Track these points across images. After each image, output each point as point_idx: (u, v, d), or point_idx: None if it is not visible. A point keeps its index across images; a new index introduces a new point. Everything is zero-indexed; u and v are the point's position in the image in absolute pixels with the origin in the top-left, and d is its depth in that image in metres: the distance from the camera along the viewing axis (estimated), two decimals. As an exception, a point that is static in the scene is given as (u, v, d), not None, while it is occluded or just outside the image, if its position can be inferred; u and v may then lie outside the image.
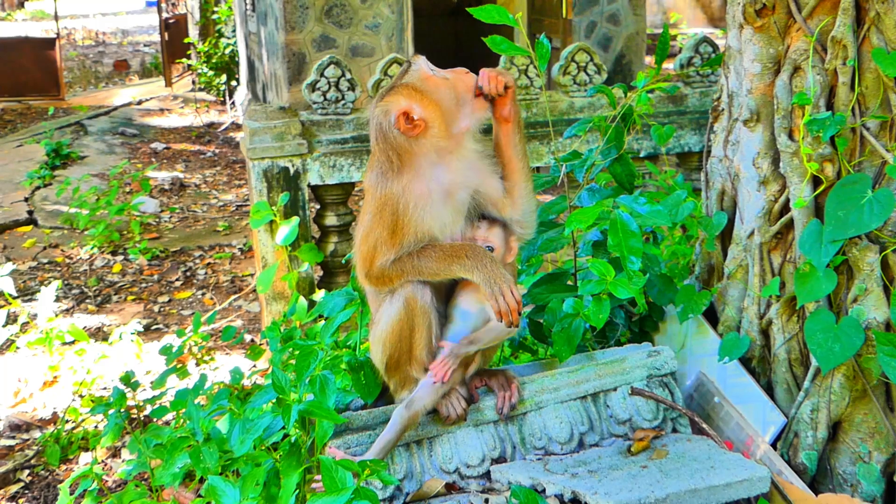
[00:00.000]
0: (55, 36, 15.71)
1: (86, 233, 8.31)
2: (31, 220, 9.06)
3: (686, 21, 20.78)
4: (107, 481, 4.17)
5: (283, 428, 2.69)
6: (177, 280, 7.54)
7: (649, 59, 13.33)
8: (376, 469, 2.37)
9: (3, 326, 5.10)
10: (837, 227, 2.76)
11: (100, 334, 6.26)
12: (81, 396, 5.02)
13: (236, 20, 14.30)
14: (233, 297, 7.04)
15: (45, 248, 8.30)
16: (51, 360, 5.36)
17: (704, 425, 2.86)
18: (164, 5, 16.73)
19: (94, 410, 3.84)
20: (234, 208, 9.65)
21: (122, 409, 3.73)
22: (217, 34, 15.14)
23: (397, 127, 2.58)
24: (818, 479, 3.00)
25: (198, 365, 5.05)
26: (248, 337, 6.12)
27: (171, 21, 16.85)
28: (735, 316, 3.21)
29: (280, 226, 4.70)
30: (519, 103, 2.81)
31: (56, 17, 16.16)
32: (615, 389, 2.92)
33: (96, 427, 4.67)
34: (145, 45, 23.10)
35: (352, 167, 4.98)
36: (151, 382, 4.45)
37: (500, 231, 2.75)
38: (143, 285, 7.40)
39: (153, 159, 11.53)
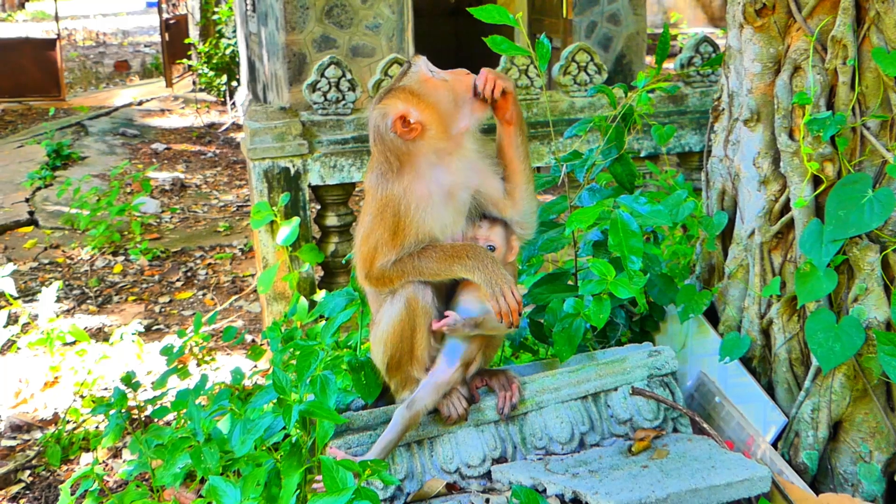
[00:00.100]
0: (56, 37, 15.73)
1: (87, 233, 8.32)
2: (31, 221, 9.07)
3: (686, 21, 20.78)
4: (108, 482, 4.17)
5: (284, 428, 2.69)
6: (178, 280, 7.55)
7: (650, 59, 13.33)
8: (377, 469, 2.37)
9: (5, 327, 5.11)
10: (838, 226, 2.76)
11: (101, 335, 6.26)
12: (82, 397, 5.02)
13: (237, 21, 14.30)
14: (233, 297, 7.04)
15: (45, 249, 8.31)
16: (52, 360, 5.37)
17: (705, 425, 2.86)
18: (164, 6, 16.74)
19: (95, 411, 3.85)
20: (234, 209, 9.65)
21: (123, 410, 3.74)
22: (217, 35, 15.14)
23: (394, 130, 2.58)
24: (819, 479, 3.00)
25: (199, 365, 5.06)
26: (248, 337, 6.12)
27: (171, 22, 16.85)
28: (736, 316, 3.21)
29: (281, 226, 4.70)
30: (520, 104, 2.81)
31: (56, 18, 16.17)
32: (616, 389, 2.92)
33: (97, 427, 4.67)
34: (146, 46, 23.11)
35: (352, 167, 4.98)
36: (152, 383, 4.45)
37: (501, 230, 2.76)
38: (144, 286, 7.41)
39: (154, 160, 11.54)
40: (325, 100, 4.95)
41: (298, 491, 2.54)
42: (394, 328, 2.67)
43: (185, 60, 15.99)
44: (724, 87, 3.26)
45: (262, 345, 4.89)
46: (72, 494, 3.40)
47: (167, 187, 10.29)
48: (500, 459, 2.76)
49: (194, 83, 16.02)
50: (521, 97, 5.16)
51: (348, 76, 4.96)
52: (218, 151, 12.18)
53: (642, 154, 5.38)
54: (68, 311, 6.82)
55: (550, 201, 3.41)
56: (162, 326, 6.56)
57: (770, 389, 3.10)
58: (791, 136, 2.97)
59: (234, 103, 14.32)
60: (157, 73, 18.13)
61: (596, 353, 3.14)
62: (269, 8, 10.69)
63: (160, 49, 17.62)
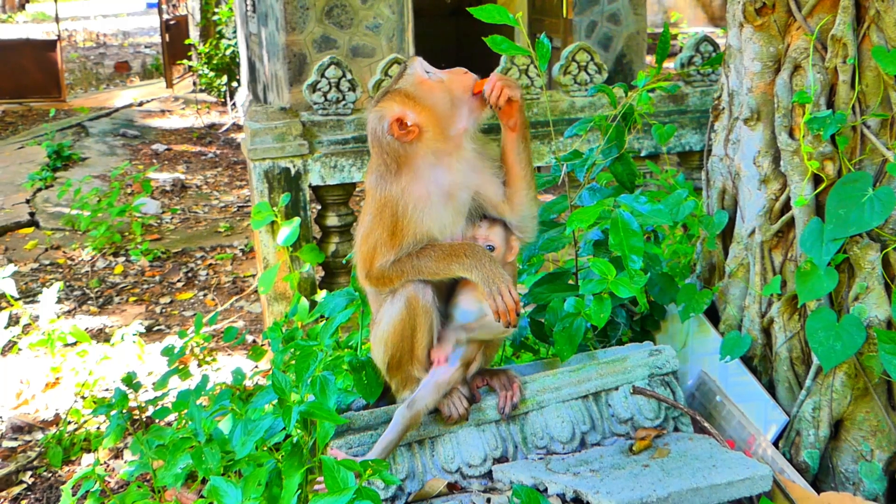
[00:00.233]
0: (56, 38, 15.75)
1: (87, 234, 8.32)
2: (32, 222, 9.07)
3: (686, 20, 20.77)
4: (109, 482, 4.17)
5: (285, 429, 2.69)
6: (178, 281, 7.55)
7: (650, 59, 13.33)
8: (378, 469, 2.37)
9: (6, 328, 5.10)
10: (838, 225, 2.76)
11: (101, 336, 6.26)
12: (83, 398, 5.02)
13: (237, 21, 14.31)
14: (234, 297, 7.04)
15: (46, 250, 8.31)
16: (53, 361, 5.37)
17: (706, 424, 2.86)
18: (164, 7, 16.75)
19: (96, 412, 3.85)
20: (235, 209, 9.65)
21: (125, 411, 3.74)
22: (218, 35, 15.15)
23: (391, 133, 2.59)
24: (820, 478, 3.00)
25: (200, 366, 5.06)
26: (249, 338, 6.12)
27: (171, 22, 16.86)
28: (736, 314, 3.21)
29: (281, 226, 4.70)
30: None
31: (57, 19, 16.18)
32: (617, 388, 2.91)
33: (98, 428, 4.67)
34: (146, 47, 23.12)
35: (353, 167, 4.98)
36: (153, 383, 4.45)
37: (501, 230, 2.75)
38: (145, 286, 7.41)
39: (154, 160, 11.54)
40: (326, 100, 4.96)
41: (299, 491, 2.54)
42: (394, 328, 2.67)
43: (185, 61, 16.00)
44: (725, 87, 3.26)
45: (263, 345, 4.89)
46: (73, 495, 3.40)
47: (168, 188, 10.29)
48: (502, 459, 2.76)
49: (195, 84, 16.03)
50: (522, 97, 5.14)
51: (348, 76, 4.96)
52: (218, 152, 12.19)
53: (643, 153, 5.38)
54: (69, 311, 6.83)
55: (551, 201, 3.41)
56: (163, 327, 6.56)
57: (771, 388, 3.10)
58: (791, 134, 2.97)
59: (234, 104, 14.33)
60: (158, 74, 18.14)
61: (597, 352, 3.14)
62: (270, 8, 10.69)
63: (160, 50, 17.63)
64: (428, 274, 2.62)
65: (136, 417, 4.34)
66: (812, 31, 2.89)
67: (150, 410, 4.25)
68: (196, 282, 7.53)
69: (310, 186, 4.97)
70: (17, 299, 5.42)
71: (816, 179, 2.92)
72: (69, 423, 4.75)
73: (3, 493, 4.36)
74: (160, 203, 9.66)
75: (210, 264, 7.90)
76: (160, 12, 16.53)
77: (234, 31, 14.77)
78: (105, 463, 4.47)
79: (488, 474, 2.73)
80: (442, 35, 13.00)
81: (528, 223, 2.80)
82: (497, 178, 2.75)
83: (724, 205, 3.28)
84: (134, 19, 29.79)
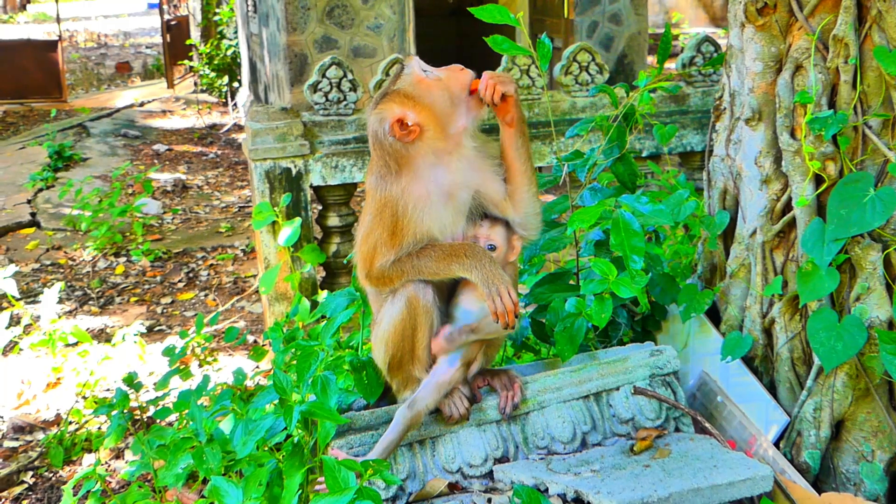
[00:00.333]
0: (57, 38, 15.76)
1: (88, 234, 8.32)
2: (33, 222, 9.08)
3: (688, 21, 20.78)
4: (110, 482, 4.17)
5: (286, 428, 2.69)
6: (179, 281, 7.55)
7: (651, 59, 13.33)
8: (379, 469, 2.37)
9: (7, 328, 5.11)
10: (840, 225, 2.76)
11: (103, 336, 6.26)
12: (85, 398, 5.02)
13: (238, 21, 14.31)
14: (235, 298, 7.04)
15: (47, 250, 8.32)
16: (54, 361, 5.37)
17: (707, 424, 2.86)
18: (165, 7, 16.75)
19: (97, 412, 3.85)
20: (236, 209, 9.66)
21: (126, 411, 3.74)
22: (219, 36, 15.15)
23: (392, 134, 2.59)
24: (821, 478, 3.00)
25: (201, 366, 5.06)
26: (250, 338, 6.12)
27: (172, 23, 16.87)
28: (737, 315, 3.21)
29: (282, 227, 4.70)
30: (521, 105, 2.80)
31: (58, 20, 16.18)
32: (618, 389, 2.91)
33: (99, 428, 4.67)
34: (147, 47, 23.13)
35: (354, 168, 4.98)
36: (154, 384, 4.45)
37: (502, 230, 2.75)
38: (146, 287, 7.41)
39: (155, 161, 11.55)
40: (327, 100, 4.96)
41: (300, 491, 2.54)
42: (395, 328, 2.67)
43: (186, 62, 16.00)
44: (726, 87, 3.26)
45: (264, 345, 4.89)
46: (74, 495, 3.40)
47: (169, 188, 10.30)
48: (503, 459, 2.76)
49: (196, 84, 16.03)
50: (523, 97, 5.16)
51: (349, 77, 4.96)
52: (219, 152, 12.19)
53: (644, 154, 5.38)
54: (70, 312, 6.83)
55: (552, 201, 3.41)
56: (164, 327, 6.56)
57: (772, 389, 3.10)
58: (793, 135, 2.97)
59: (235, 104, 14.34)
60: (159, 75, 18.14)
61: (598, 352, 3.14)
62: (271, 9, 10.69)
63: (161, 50, 17.63)
64: (428, 274, 2.62)
65: (138, 417, 4.34)
66: (814, 31, 2.89)
67: (152, 410, 4.25)
68: (197, 282, 7.53)
69: (311, 186, 4.97)
70: (18, 299, 5.43)
71: (818, 180, 2.92)
72: (70, 423, 4.75)
73: (5, 494, 4.36)
74: (161, 203, 9.66)
75: (211, 265, 7.90)
76: (161, 13, 16.53)
77: (235, 32, 14.77)
78: (106, 463, 4.47)
79: (489, 474, 2.73)
80: (443, 35, 13.01)
81: (531, 220, 2.79)
82: (498, 176, 2.75)
83: (726, 205, 3.28)
84: (135, 20, 29.81)
